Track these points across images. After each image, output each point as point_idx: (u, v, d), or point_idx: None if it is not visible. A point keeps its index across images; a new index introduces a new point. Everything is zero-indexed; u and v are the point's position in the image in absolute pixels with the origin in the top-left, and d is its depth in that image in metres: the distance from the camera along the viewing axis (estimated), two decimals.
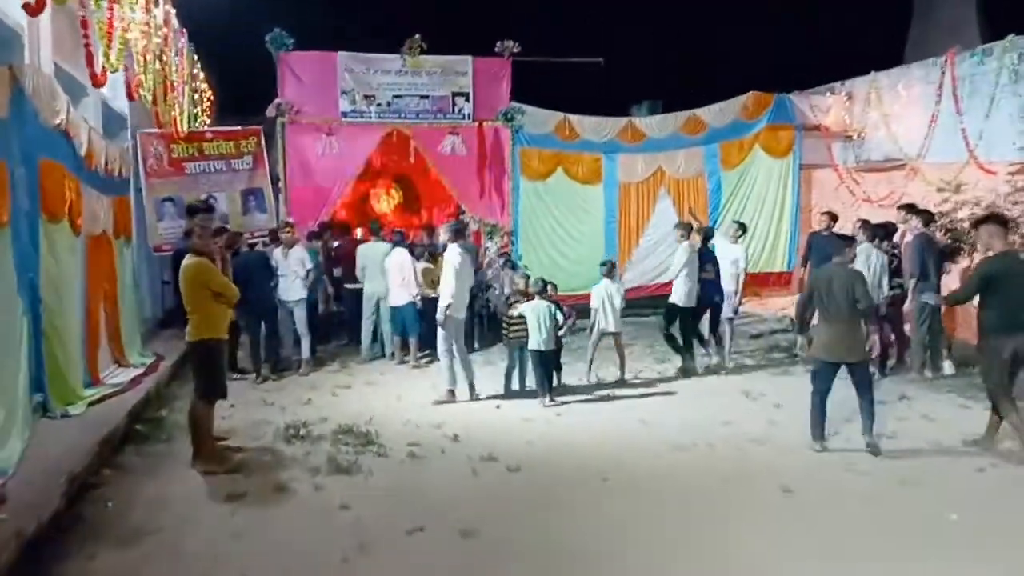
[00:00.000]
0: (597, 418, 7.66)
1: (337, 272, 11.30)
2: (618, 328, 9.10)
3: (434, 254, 11.27)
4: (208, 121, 13.45)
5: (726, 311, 10.33)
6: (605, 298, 9.04)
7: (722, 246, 10.61)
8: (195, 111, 12.57)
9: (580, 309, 10.14)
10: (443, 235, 8.53)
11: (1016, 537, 4.84)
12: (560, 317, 8.31)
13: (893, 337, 9.56)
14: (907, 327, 9.39)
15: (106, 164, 8.63)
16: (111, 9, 6.92)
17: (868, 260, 8.94)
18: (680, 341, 9.53)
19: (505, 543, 4.84)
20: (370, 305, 10.26)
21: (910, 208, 9.19)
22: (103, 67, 6.92)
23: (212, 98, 14.06)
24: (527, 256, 12.54)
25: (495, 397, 8.39)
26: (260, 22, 11.82)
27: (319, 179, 12.14)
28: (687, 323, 9.53)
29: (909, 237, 9.08)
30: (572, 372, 9.20)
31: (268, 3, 13.86)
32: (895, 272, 9.20)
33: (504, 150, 12.67)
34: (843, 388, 6.54)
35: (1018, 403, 6.24)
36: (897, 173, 12.31)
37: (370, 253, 10.22)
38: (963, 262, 9.77)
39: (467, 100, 12.57)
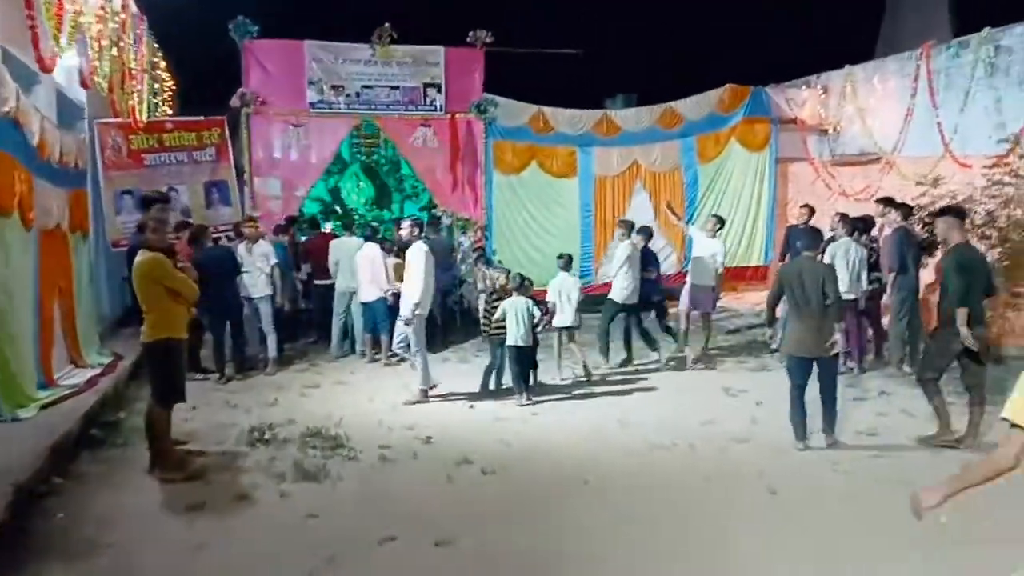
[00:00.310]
0: (574, 417, 7.44)
1: (306, 268, 10.99)
2: (575, 323, 8.95)
3: (404, 249, 11.04)
4: (169, 111, 12.98)
5: (703, 307, 10.18)
6: (562, 291, 8.88)
7: (700, 240, 10.45)
8: (155, 101, 12.11)
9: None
10: (405, 231, 8.22)
11: (1006, 537, 4.68)
12: (537, 313, 8.09)
13: (871, 331, 9.47)
14: (884, 321, 9.30)
15: (61, 155, 8.21)
16: None
17: (847, 254, 8.84)
18: (607, 336, 9.53)
19: (481, 552, 4.60)
20: (342, 302, 9.96)
21: (888, 202, 9.07)
22: (52, 51, 6.53)
23: (174, 88, 13.59)
24: (501, 251, 12.28)
25: (469, 396, 8.13)
26: (224, 9, 11.42)
27: (286, 172, 11.80)
28: (629, 320, 9.49)
29: (888, 231, 8.97)
30: (547, 370, 8.97)
31: None
32: (873, 266, 9.10)
33: (477, 143, 12.39)
34: None
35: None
36: (873, 167, 12.22)
37: (342, 248, 9.92)
38: (940, 255, 9.67)
39: (439, 91, 12.27)
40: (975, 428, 6.43)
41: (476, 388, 8.35)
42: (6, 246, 6.50)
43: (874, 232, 9.30)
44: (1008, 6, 10.70)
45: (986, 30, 10.42)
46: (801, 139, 13.45)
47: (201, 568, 4.37)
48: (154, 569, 4.36)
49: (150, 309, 5.74)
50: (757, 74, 13.75)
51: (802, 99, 13.49)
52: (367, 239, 9.59)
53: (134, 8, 10.14)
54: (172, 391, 5.85)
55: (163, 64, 13.08)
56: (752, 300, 13.25)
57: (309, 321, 11.15)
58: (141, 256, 5.74)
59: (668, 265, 13.18)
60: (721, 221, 10.51)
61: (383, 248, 9.64)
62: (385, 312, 9.48)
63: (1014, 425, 2.72)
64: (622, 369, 9.43)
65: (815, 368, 6.37)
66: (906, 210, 9.14)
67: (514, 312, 7.94)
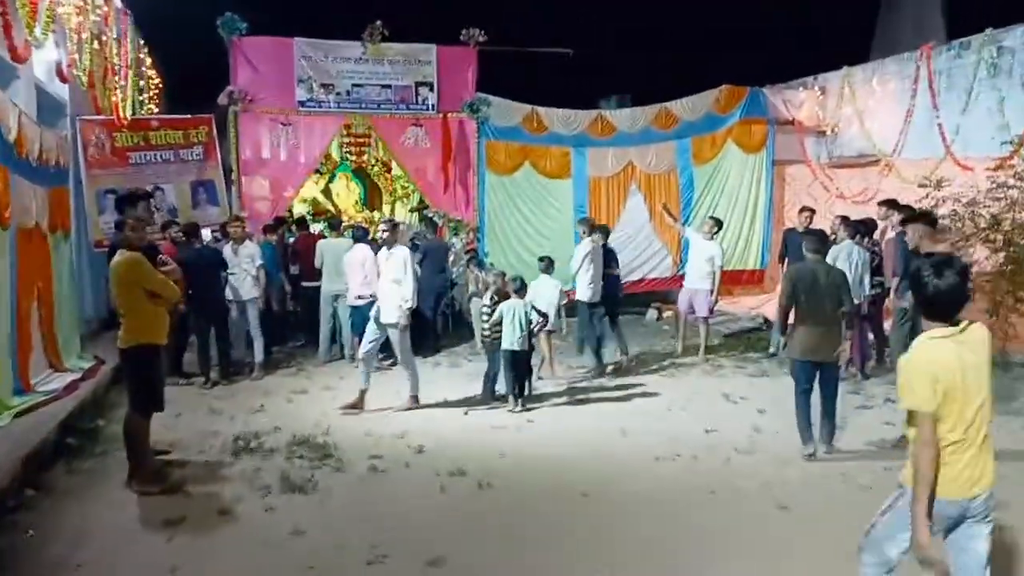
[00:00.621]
0: (571, 425, 7.20)
1: (294, 269, 10.73)
2: (555, 326, 8.77)
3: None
4: (156, 109, 12.71)
5: (701, 310, 9.98)
6: (541, 295, 8.65)
7: (697, 243, 10.25)
8: (141, 98, 11.83)
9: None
10: (387, 232, 7.91)
11: None
12: (535, 317, 7.86)
13: (872, 337, 9.28)
14: (886, 326, 9.11)
15: (40, 152, 7.93)
16: None
17: (850, 257, 8.63)
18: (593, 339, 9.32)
19: (476, 572, 4.34)
20: (328, 304, 9.69)
21: (891, 204, 8.86)
22: (26, 41, 6.25)
23: (160, 85, 13.31)
24: (493, 253, 12.02)
25: (462, 402, 7.88)
26: (212, 5, 11.13)
27: (274, 171, 11.51)
28: (592, 319, 9.29)
29: (891, 234, 8.75)
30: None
31: None
32: (876, 270, 8.90)
33: (469, 143, 12.12)
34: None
35: None
36: (871, 169, 12.02)
37: (330, 249, 9.65)
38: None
39: (431, 90, 12.00)
40: None
41: (469, 393, 8.11)
42: None
43: (876, 235, 9.08)
44: (1002, 7, 10.58)
45: (988, 30, 10.25)
46: (799, 141, 13.24)
47: None
48: None
49: (127, 312, 5.47)
50: (753, 75, 13.52)
51: (799, 100, 13.29)
52: (357, 240, 9.33)
53: (118, 2, 9.87)
54: (150, 400, 5.57)
55: (149, 61, 12.81)
56: (748, 304, 13.05)
57: (298, 323, 10.90)
58: (119, 256, 5.47)
59: (664, 268, 13.00)
60: (718, 223, 10.31)
61: (374, 250, 9.38)
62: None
63: (916, 410, 2.96)
64: (622, 374, 9.17)
65: (817, 373, 6.20)
66: (909, 212, 8.93)
67: (512, 316, 7.71)
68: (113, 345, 9.23)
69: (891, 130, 11.67)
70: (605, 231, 9.82)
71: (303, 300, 10.65)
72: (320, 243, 9.93)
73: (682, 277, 11.43)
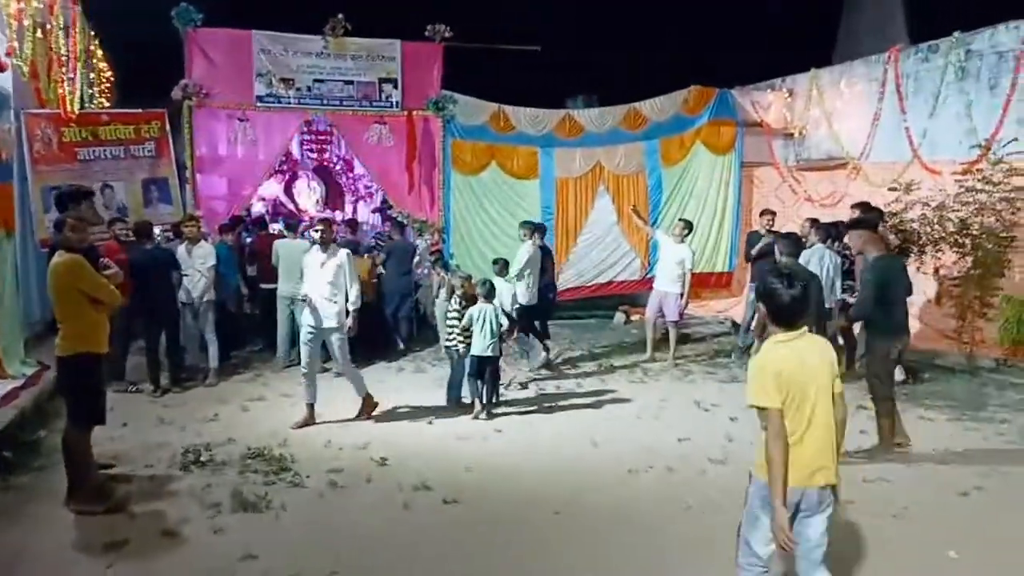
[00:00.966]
0: (541, 435, 6.94)
1: (252, 271, 10.35)
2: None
3: (356, 252, 10.47)
4: (107, 103, 12.20)
5: (671, 314, 9.81)
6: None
7: (667, 245, 10.08)
8: (90, 91, 11.33)
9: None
10: (322, 231, 7.28)
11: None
12: (505, 321, 7.59)
13: (842, 342, 9.16)
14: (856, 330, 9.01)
15: None
16: None
17: (821, 261, 8.50)
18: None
19: None
20: (285, 307, 9.32)
21: (865, 207, 8.71)
22: None
23: (112, 78, 12.79)
24: (459, 255, 11.74)
25: (427, 409, 7.59)
26: None
27: (231, 169, 11.07)
28: (530, 321, 9.25)
29: None
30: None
31: None
32: (847, 273, 8.79)
33: (435, 141, 11.80)
34: None
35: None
36: (839, 172, 11.98)
37: (287, 250, 9.28)
38: (913, 263, 9.43)
39: (395, 87, 11.67)
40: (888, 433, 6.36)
41: (433, 401, 7.83)
42: None
43: (847, 239, 8.94)
44: (962, 10, 10.60)
45: (956, 34, 10.26)
46: (767, 143, 13.17)
47: None
48: None
49: (66, 318, 5.09)
50: (720, 76, 13.41)
51: (767, 102, 13.21)
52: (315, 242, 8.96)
53: None
54: (91, 412, 5.19)
55: (100, 53, 12.30)
56: (717, 307, 12.93)
57: (255, 327, 10.50)
58: (58, 257, 5.09)
59: (632, 271, 12.84)
60: (689, 225, 10.15)
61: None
62: None
63: (764, 408, 3.26)
64: (589, 380, 8.96)
65: None
66: (878, 215, 8.83)
67: (482, 320, 7.44)
68: None
69: (859, 133, 11.66)
70: (543, 232, 9.83)
71: (260, 302, 10.26)
72: (277, 243, 9.56)
73: (651, 280, 11.28)
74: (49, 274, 5.09)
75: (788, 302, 3.28)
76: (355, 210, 14.41)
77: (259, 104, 11.09)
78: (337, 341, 7.16)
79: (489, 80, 12.93)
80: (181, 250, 8.81)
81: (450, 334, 7.85)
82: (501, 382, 7.97)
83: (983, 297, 9.22)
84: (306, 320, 7.16)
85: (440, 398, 7.85)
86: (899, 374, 8.65)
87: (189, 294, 8.71)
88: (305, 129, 12.64)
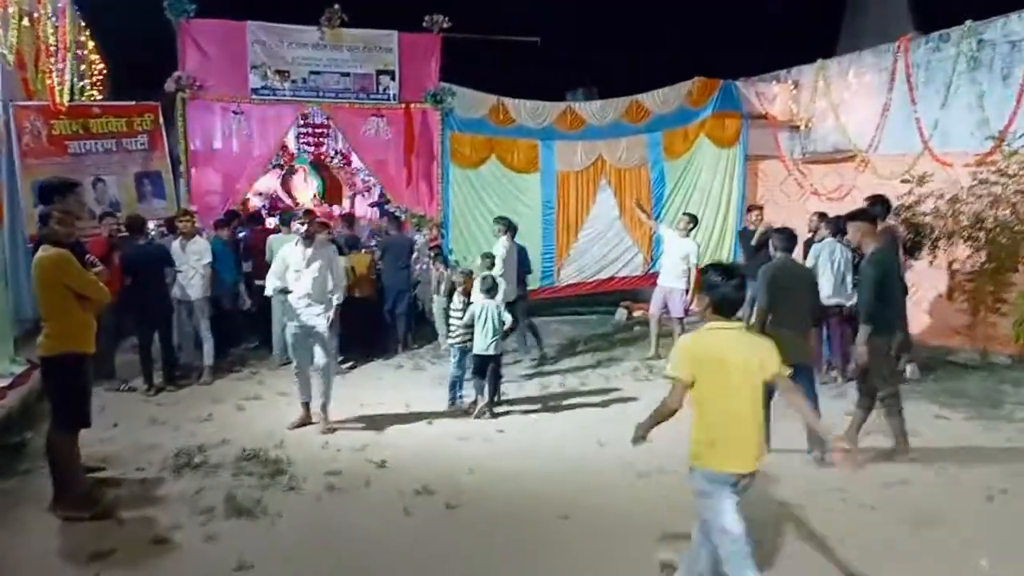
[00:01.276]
0: (544, 435, 6.72)
1: (247, 266, 10.10)
2: None
3: (355, 247, 10.24)
4: (98, 96, 11.92)
5: (676, 310, 9.60)
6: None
7: (671, 240, 9.87)
8: (82, 83, 11.07)
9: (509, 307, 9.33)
10: (305, 224, 7.04)
11: None
12: (508, 319, 7.36)
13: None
14: None
15: None
16: None
17: (832, 256, 8.32)
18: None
19: None
20: (279, 303, 9.07)
21: (880, 201, 8.42)
22: None
23: (104, 70, 12.52)
24: (458, 250, 11.50)
25: (426, 410, 7.36)
26: None
27: (225, 162, 10.83)
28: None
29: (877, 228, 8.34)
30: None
31: None
32: (857, 268, 8.56)
33: (433, 134, 11.56)
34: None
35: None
36: (847, 165, 11.74)
37: (281, 245, 9.01)
38: (926, 257, 9.23)
39: (392, 79, 11.41)
40: (856, 430, 6.18)
41: (433, 399, 7.61)
42: None
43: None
44: (969, 3, 10.38)
45: (968, 23, 10.01)
46: (772, 135, 12.93)
47: None
48: None
49: (51, 316, 4.85)
50: (722, 68, 13.16)
51: (772, 94, 12.96)
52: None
53: None
54: (76, 415, 4.96)
55: (92, 44, 12.03)
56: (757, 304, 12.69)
57: (251, 324, 10.26)
58: (42, 252, 4.85)
59: (634, 266, 12.61)
60: (694, 220, 9.94)
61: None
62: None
63: (674, 378, 3.57)
64: (592, 378, 8.74)
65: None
66: (884, 208, 8.54)
67: (484, 317, 7.21)
68: None
69: (867, 125, 11.41)
70: (515, 229, 9.72)
71: (256, 299, 10.02)
72: (271, 238, 9.35)
73: (653, 275, 11.06)
74: (33, 269, 4.86)
75: (727, 295, 3.55)
76: (353, 204, 14.17)
77: (254, 97, 10.84)
78: (322, 340, 6.79)
79: (488, 72, 12.68)
80: (175, 246, 8.59)
81: (452, 331, 7.63)
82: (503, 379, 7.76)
83: (997, 292, 9.00)
84: (290, 320, 6.83)
85: (440, 397, 7.63)
86: (914, 372, 8.47)
87: (184, 290, 8.49)
88: (301, 122, 12.37)
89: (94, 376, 7.84)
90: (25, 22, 7.69)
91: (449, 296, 8.25)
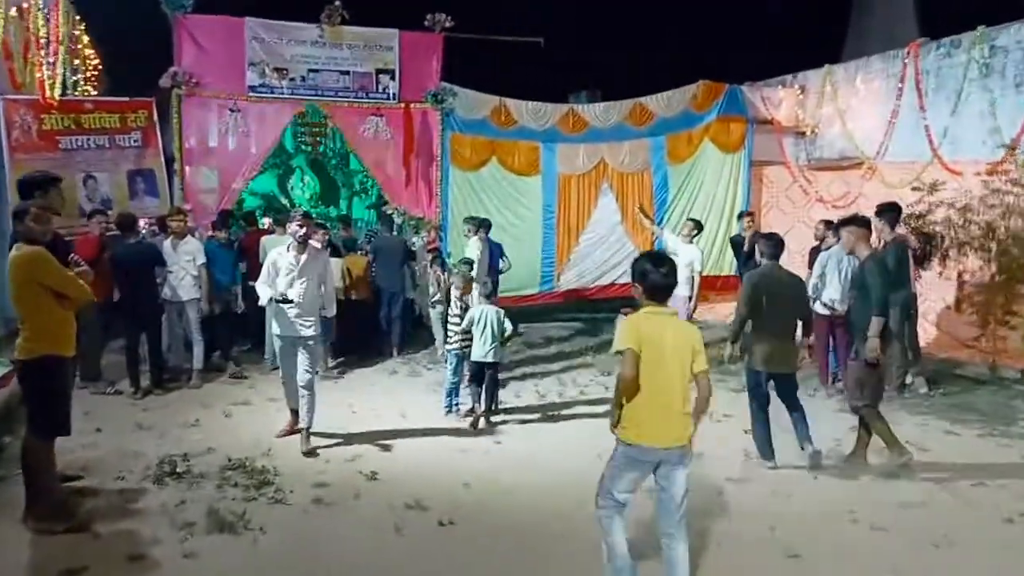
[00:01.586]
0: (543, 446, 6.49)
1: (241, 267, 9.85)
2: None
3: (353, 248, 10.04)
4: (93, 91, 11.71)
5: (679, 317, 9.36)
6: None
7: (675, 246, 9.63)
8: (75, 78, 10.86)
9: (517, 313, 9.13)
10: (301, 226, 6.40)
11: None
12: (509, 326, 7.13)
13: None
14: None
15: None
16: None
17: (840, 264, 8.09)
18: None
19: None
20: (272, 306, 8.82)
21: (892, 208, 8.16)
22: None
23: (100, 65, 12.31)
24: (456, 253, 11.22)
25: (421, 418, 7.12)
26: None
27: (221, 161, 10.59)
28: None
29: (888, 237, 8.10)
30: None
31: None
32: None
33: (433, 135, 11.34)
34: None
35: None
36: (853, 172, 11.55)
37: (275, 247, 8.78)
38: (935, 267, 9.01)
39: (392, 78, 11.21)
40: (864, 448, 6.08)
41: (429, 407, 7.40)
42: None
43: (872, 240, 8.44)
44: (973, 5, 10.18)
45: (980, 28, 9.82)
46: (777, 141, 12.73)
47: None
48: None
49: (27, 316, 4.63)
50: (727, 72, 12.98)
51: (778, 99, 12.76)
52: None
53: None
54: (53, 421, 4.72)
55: (86, 39, 11.81)
56: (724, 311, 12.46)
57: (244, 326, 10.01)
58: (16, 251, 4.63)
59: None
60: (699, 225, 9.71)
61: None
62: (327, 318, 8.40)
63: (621, 351, 3.75)
64: (592, 387, 8.53)
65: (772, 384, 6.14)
66: (895, 215, 8.28)
67: (482, 323, 6.99)
68: None
69: (875, 131, 11.23)
70: (488, 226, 9.78)
71: (250, 300, 9.78)
72: (264, 239, 9.12)
73: None
74: (8, 267, 4.63)
75: (658, 282, 3.81)
76: (350, 206, 13.95)
77: (251, 94, 10.63)
78: (310, 351, 6.32)
79: (489, 73, 12.48)
80: (166, 245, 8.35)
81: (450, 336, 7.41)
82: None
83: (1007, 305, 8.78)
84: (278, 329, 6.36)
85: (436, 404, 7.42)
86: (922, 385, 8.25)
87: (175, 291, 8.26)
88: (299, 121, 12.15)
89: (80, 378, 7.79)
90: (12, 12, 7.45)
91: (447, 300, 8.03)
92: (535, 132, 11.86)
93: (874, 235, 8.28)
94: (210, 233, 9.38)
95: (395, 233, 10.57)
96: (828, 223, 9.01)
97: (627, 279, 12.11)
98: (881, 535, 4.68)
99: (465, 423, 7.03)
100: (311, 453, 6.10)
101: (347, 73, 11.07)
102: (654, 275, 3.80)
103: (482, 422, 6.97)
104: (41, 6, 8.59)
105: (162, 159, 10.43)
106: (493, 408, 7.20)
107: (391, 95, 11.20)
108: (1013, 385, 8.40)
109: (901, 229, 8.20)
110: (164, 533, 4.56)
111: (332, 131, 12.55)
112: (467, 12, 11.33)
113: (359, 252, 10.04)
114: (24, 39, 8.09)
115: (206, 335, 8.55)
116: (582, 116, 12.08)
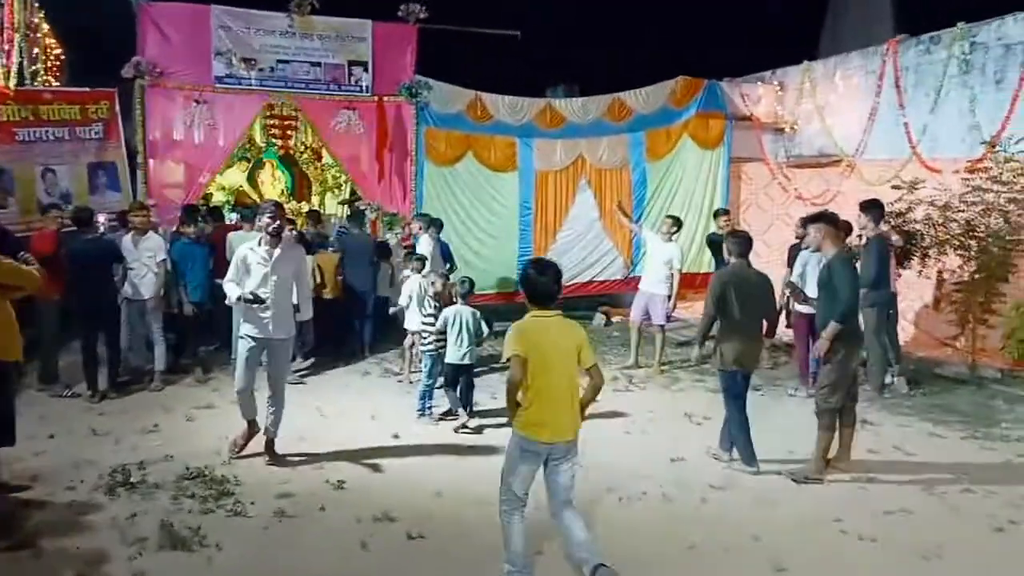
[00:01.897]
0: None
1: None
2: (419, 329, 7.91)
3: (323, 246, 9.74)
4: (55, 82, 11.29)
5: (658, 317, 9.18)
6: (413, 294, 7.94)
7: (654, 244, 9.44)
8: (34, 68, 10.45)
9: (493, 311, 8.89)
10: (274, 221, 5.86)
11: None
12: (485, 328, 6.90)
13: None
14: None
15: None
16: None
17: (820, 262, 7.88)
18: None
19: None
20: (239, 305, 8.51)
21: (874, 205, 8.01)
22: None
23: (61, 56, 11.88)
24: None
25: (392, 422, 6.87)
26: None
27: (187, 154, 10.27)
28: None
29: (870, 235, 7.96)
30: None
31: None
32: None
33: (407, 129, 11.06)
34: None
35: None
36: (832, 169, 11.44)
37: (242, 243, 8.46)
38: (915, 265, 8.90)
39: (365, 70, 10.93)
40: (847, 450, 5.92)
41: (400, 410, 7.15)
42: None
43: (851, 239, 8.31)
44: (951, 2, 10.12)
45: (960, 25, 9.73)
46: (756, 138, 12.60)
47: None
48: None
49: None
50: (704, 66, 12.81)
51: (757, 95, 12.64)
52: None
53: None
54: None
55: (46, 28, 11.38)
56: (702, 310, 12.33)
57: (210, 324, 9.68)
58: None
59: (614, 270, 12.23)
60: (678, 223, 9.50)
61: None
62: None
63: (513, 355, 3.87)
64: None
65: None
66: (879, 212, 8.15)
67: (457, 325, 6.74)
68: None
69: (854, 128, 11.13)
70: (440, 225, 9.76)
71: (218, 298, 9.44)
72: (231, 235, 8.78)
73: (633, 280, 10.66)
74: None
75: (541, 287, 3.98)
76: (323, 202, 13.61)
77: (218, 85, 10.32)
78: (281, 355, 5.91)
79: (465, 66, 12.23)
80: (127, 241, 8.00)
81: (425, 338, 7.17)
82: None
83: (986, 303, 8.68)
84: (247, 330, 5.80)
85: (409, 406, 7.18)
86: (902, 385, 8.14)
87: (136, 289, 7.92)
88: (268, 113, 11.82)
89: (37, 380, 7.46)
90: None
91: (421, 301, 7.78)
92: (512, 127, 11.62)
93: (856, 230, 8.23)
94: (174, 229, 9.05)
95: (364, 230, 10.24)
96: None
97: (605, 277, 12.19)
98: (869, 546, 4.51)
99: (439, 427, 6.79)
100: (279, 463, 5.78)
101: (318, 65, 10.80)
102: (537, 282, 3.98)
103: (466, 430, 6.72)
104: None
105: (124, 152, 10.12)
106: (468, 411, 6.96)
107: (364, 88, 10.93)
108: (992, 384, 8.31)
109: (884, 227, 8.04)
110: (114, 549, 4.28)
111: (303, 124, 12.21)
112: (442, 3, 11.07)
113: (330, 249, 9.74)
114: None
115: (171, 335, 8.24)
116: (560, 111, 11.86)
